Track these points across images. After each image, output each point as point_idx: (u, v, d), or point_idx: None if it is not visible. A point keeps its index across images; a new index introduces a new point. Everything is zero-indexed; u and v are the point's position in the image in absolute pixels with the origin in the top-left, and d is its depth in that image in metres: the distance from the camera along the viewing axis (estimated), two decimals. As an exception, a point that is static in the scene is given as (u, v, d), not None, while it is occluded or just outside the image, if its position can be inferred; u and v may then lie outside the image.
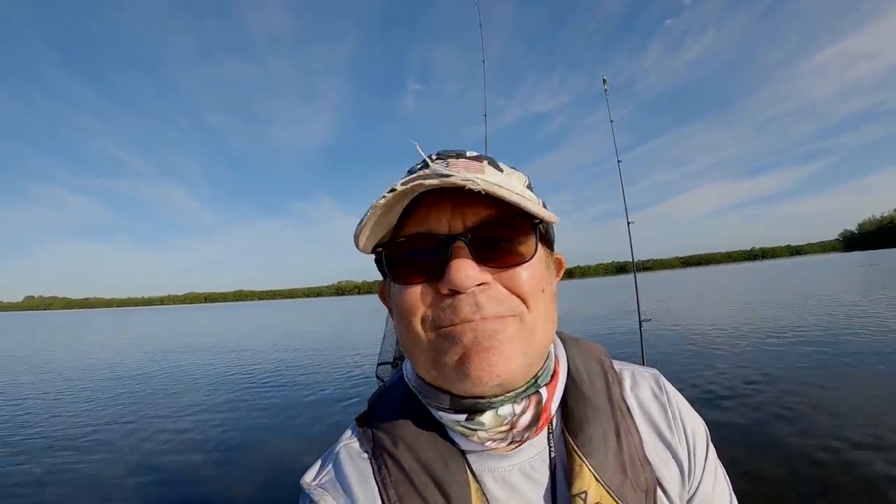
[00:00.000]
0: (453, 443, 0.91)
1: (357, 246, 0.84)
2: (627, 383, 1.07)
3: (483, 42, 6.27)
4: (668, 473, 0.97)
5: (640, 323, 6.03)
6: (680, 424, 1.03)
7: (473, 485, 0.88)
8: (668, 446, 1.00)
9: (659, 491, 0.95)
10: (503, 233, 0.84)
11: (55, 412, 13.86)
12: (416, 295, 0.83)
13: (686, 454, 1.00)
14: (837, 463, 6.58)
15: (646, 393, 1.05)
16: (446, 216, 0.83)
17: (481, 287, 0.81)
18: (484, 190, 0.75)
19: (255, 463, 8.89)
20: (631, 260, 6.37)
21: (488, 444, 0.88)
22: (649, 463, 0.96)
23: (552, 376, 0.95)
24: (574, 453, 0.92)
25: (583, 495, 0.88)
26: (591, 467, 0.90)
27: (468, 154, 0.92)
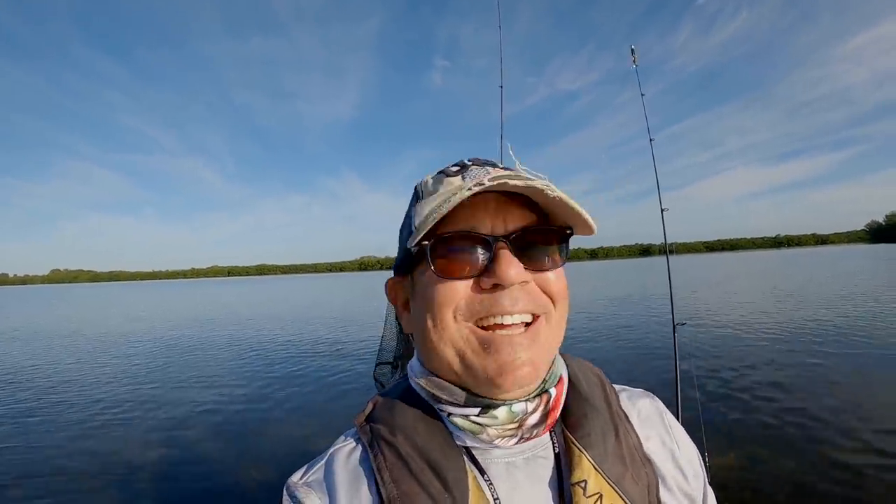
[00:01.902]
0: (453, 439, 0.93)
1: (417, 235, 0.87)
2: (624, 396, 1.12)
3: (500, 10, 6.11)
4: (670, 473, 1.01)
5: (673, 327, 5.63)
6: (674, 440, 1.07)
7: (470, 472, 0.90)
8: (670, 451, 1.04)
9: (662, 488, 0.99)
10: (539, 238, 0.92)
11: (65, 384, 14.12)
12: (458, 288, 0.88)
13: (685, 469, 1.04)
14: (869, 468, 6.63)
15: (643, 406, 1.11)
16: (489, 217, 0.90)
17: (521, 284, 0.88)
18: (559, 197, 0.85)
19: (266, 445, 8.92)
20: (664, 244, 5.86)
21: (497, 441, 0.91)
22: (650, 461, 1.01)
23: (559, 379, 1.00)
24: (573, 445, 0.96)
25: (582, 484, 0.91)
26: (590, 458, 0.94)
27: (499, 164, 1.00)
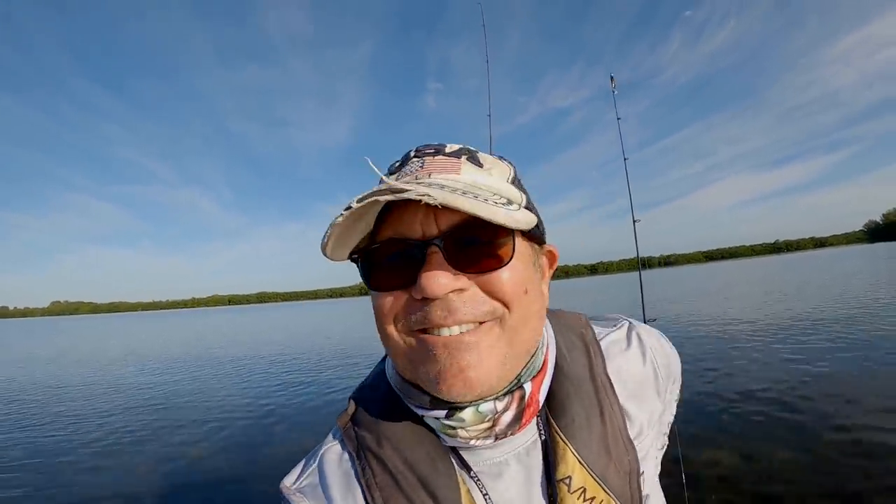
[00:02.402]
0: (440, 440, 0.91)
1: (329, 256, 0.83)
2: (609, 355, 1.06)
3: (487, 44, 6.21)
4: (650, 448, 1.01)
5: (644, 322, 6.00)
6: (666, 391, 1.09)
7: (462, 485, 0.88)
8: (658, 418, 1.06)
9: (637, 474, 0.96)
10: (479, 235, 0.81)
11: (71, 412, 14.16)
12: (391, 300, 0.84)
13: (662, 423, 1.08)
14: (866, 460, 6.54)
15: (631, 360, 1.07)
16: (419, 220, 0.81)
17: (456, 293, 0.80)
18: (441, 203, 0.72)
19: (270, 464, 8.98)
20: (637, 257, 6.15)
21: (472, 442, 0.88)
22: (633, 445, 0.97)
23: (541, 368, 0.94)
24: (557, 436, 0.92)
25: (567, 480, 0.89)
26: (574, 451, 0.91)
27: (447, 149, 0.91)
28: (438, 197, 0.72)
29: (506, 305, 0.82)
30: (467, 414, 0.84)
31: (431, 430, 0.91)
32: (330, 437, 1.01)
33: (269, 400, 13.80)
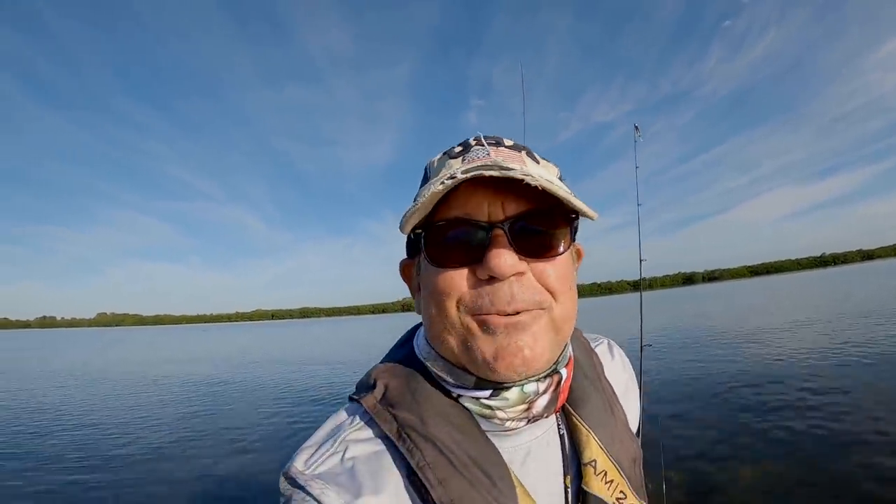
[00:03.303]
0: (477, 423, 0.92)
1: (403, 230, 0.88)
2: (604, 361, 1.21)
3: (524, 87, 6.55)
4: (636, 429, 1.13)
5: (640, 348, 6.26)
6: (636, 391, 1.25)
7: (509, 467, 0.90)
8: (636, 410, 1.21)
9: (640, 461, 1.09)
10: (540, 224, 0.88)
11: (114, 420, 14.81)
12: (454, 278, 0.86)
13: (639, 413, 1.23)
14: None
15: (617, 368, 1.23)
16: (486, 203, 0.86)
17: (517, 276, 0.85)
18: (541, 186, 0.79)
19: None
20: (640, 297, 6.58)
21: (507, 424, 0.91)
22: (635, 436, 1.11)
23: (569, 359, 1.01)
24: (580, 425, 1.01)
25: (593, 463, 0.98)
26: (596, 438, 1.00)
27: (506, 143, 0.96)
28: (540, 180, 0.78)
29: (554, 297, 0.88)
30: (512, 393, 0.88)
31: (469, 413, 0.92)
32: (349, 417, 0.95)
33: (313, 408, 14.38)
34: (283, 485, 0.84)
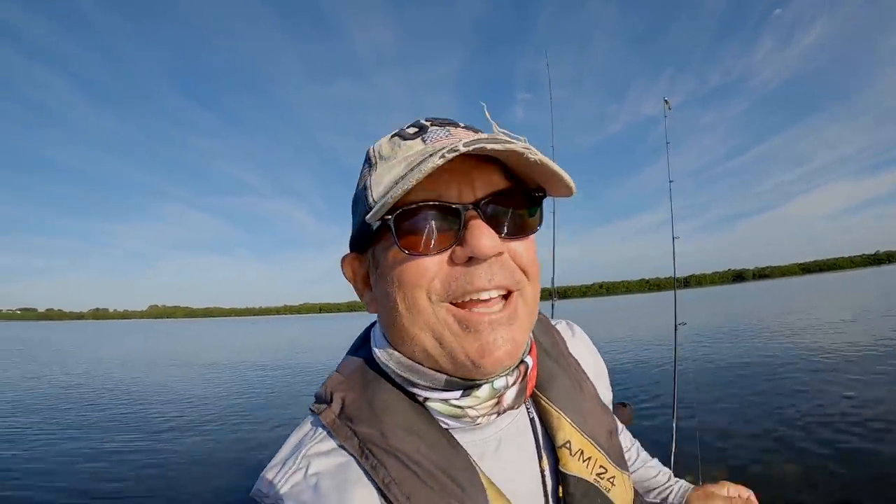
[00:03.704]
0: (438, 424, 0.90)
1: (371, 217, 0.81)
2: (566, 337, 1.20)
3: (550, 91, 6.73)
4: (614, 413, 1.12)
5: (675, 326, 6.44)
6: (603, 365, 1.24)
7: (479, 470, 0.87)
8: (606, 384, 1.19)
9: (616, 432, 1.09)
10: (512, 204, 0.86)
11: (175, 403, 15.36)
12: (427, 265, 0.82)
13: (608, 390, 1.21)
14: None
15: (579, 345, 1.21)
16: (456, 184, 0.83)
17: (496, 257, 0.83)
18: (540, 160, 0.78)
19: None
20: (673, 275, 6.96)
21: (479, 420, 0.89)
22: (607, 407, 1.11)
23: (531, 346, 0.99)
24: (550, 408, 1.00)
25: (567, 444, 0.98)
26: (568, 419, 1.00)
27: (461, 124, 0.95)
28: (540, 154, 0.78)
29: (527, 276, 0.88)
30: (483, 391, 0.87)
31: (431, 416, 0.90)
32: (309, 431, 0.91)
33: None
34: None
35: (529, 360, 0.95)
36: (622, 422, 1.32)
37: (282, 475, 0.83)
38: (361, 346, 1.03)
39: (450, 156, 0.71)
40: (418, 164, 0.76)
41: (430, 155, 0.74)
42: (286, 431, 0.89)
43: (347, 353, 1.05)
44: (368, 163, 0.94)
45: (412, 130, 0.90)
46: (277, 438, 9.99)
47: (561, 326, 1.25)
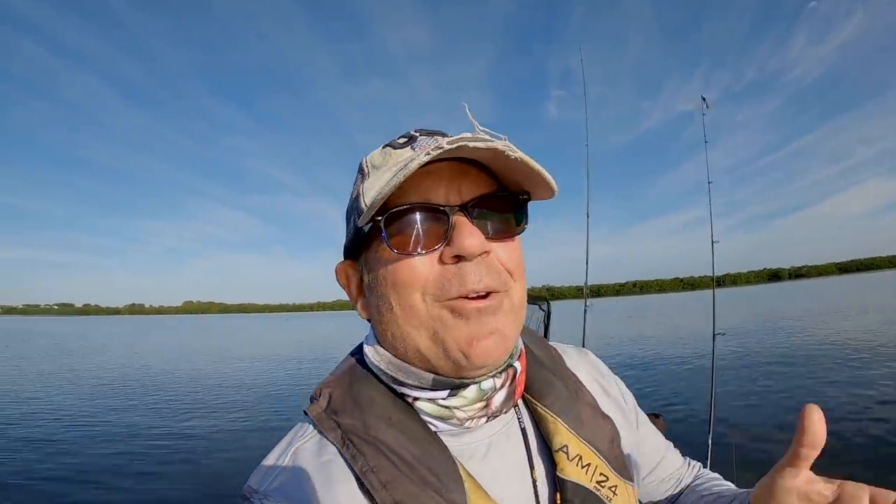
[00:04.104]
0: (426, 426, 0.91)
1: (360, 220, 0.86)
2: (566, 356, 1.19)
3: (585, 92, 6.64)
4: (620, 423, 1.09)
5: (713, 336, 6.32)
6: (614, 383, 1.22)
7: (458, 461, 0.88)
8: (615, 401, 1.17)
9: (618, 440, 1.05)
10: (497, 206, 0.90)
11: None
12: (418, 265, 0.84)
13: (625, 406, 1.19)
14: None
15: (581, 362, 1.21)
16: (443, 187, 0.86)
17: (483, 256, 0.85)
18: (520, 158, 0.81)
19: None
20: (713, 285, 6.94)
21: (467, 423, 0.91)
22: (608, 416, 1.07)
23: (521, 352, 1.01)
24: (546, 413, 1.00)
25: (564, 448, 0.96)
26: (564, 423, 0.99)
27: (449, 135, 0.93)
28: (520, 153, 0.81)
29: (513, 277, 0.90)
30: (470, 391, 0.89)
31: (419, 417, 0.91)
32: (299, 430, 0.96)
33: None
34: None
35: (518, 364, 0.96)
36: None
37: (271, 472, 0.88)
38: (353, 354, 1.07)
39: (434, 153, 0.75)
40: (405, 165, 0.78)
41: (419, 156, 0.77)
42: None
43: (340, 362, 1.08)
44: (361, 173, 0.98)
45: (402, 140, 0.94)
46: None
47: (563, 347, 1.26)
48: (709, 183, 6.80)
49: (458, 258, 0.83)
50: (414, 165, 0.75)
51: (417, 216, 0.84)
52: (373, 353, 0.96)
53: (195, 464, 9.85)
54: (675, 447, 1.35)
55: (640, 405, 1.26)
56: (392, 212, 0.84)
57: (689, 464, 1.35)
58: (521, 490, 0.93)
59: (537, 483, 0.95)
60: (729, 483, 1.28)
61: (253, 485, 0.87)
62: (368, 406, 0.90)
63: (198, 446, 10.86)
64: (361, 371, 0.98)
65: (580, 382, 1.11)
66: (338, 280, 1.04)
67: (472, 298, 0.83)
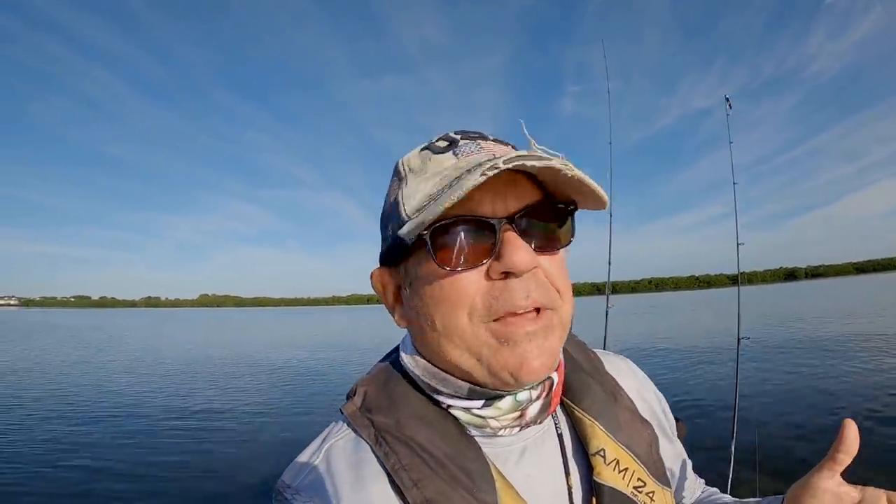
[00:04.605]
0: (461, 429, 0.91)
1: (408, 234, 0.83)
2: (606, 361, 1.19)
3: (609, 88, 6.63)
4: (658, 430, 1.11)
5: (738, 339, 6.19)
6: (652, 390, 1.23)
7: (490, 462, 0.88)
8: (652, 408, 1.18)
9: (657, 445, 1.06)
10: (545, 218, 0.87)
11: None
12: (464, 281, 0.82)
13: (662, 414, 1.20)
14: None
15: (621, 367, 1.21)
16: (490, 198, 0.83)
17: (531, 273, 0.83)
18: (576, 176, 0.77)
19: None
20: (737, 290, 6.94)
21: (500, 432, 0.91)
22: (647, 420, 1.09)
23: (559, 363, 0.98)
24: (583, 416, 1.00)
25: (602, 452, 0.95)
26: (601, 427, 0.98)
27: (490, 137, 0.95)
28: (577, 171, 0.77)
29: (559, 293, 0.87)
30: (506, 402, 0.88)
31: (455, 420, 0.91)
32: (334, 427, 0.96)
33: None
34: (274, 501, 0.89)
35: (555, 376, 0.95)
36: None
37: (305, 468, 0.88)
38: (390, 355, 1.07)
39: (491, 173, 0.71)
40: (456, 179, 0.77)
41: (468, 171, 0.77)
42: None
43: (377, 362, 1.08)
44: (398, 176, 0.95)
45: (442, 144, 0.91)
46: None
47: (601, 351, 1.24)
48: (734, 184, 6.61)
49: (507, 274, 0.81)
50: (469, 185, 0.72)
51: (464, 229, 0.81)
52: (409, 361, 0.95)
53: (221, 460, 10.04)
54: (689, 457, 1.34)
55: None
56: (438, 225, 0.80)
57: (696, 477, 1.35)
58: (555, 494, 0.94)
59: (572, 489, 0.95)
60: (731, 497, 1.28)
61: (287, 480, 0.89)
62: (402, 404, 0.91)
63: (232, 437, 11.04)
64: (396, 373, 0.98)
65: (619, 386, 1.11)
66: (373, 287, 1.03)
67: (520, 314, 0.81)
